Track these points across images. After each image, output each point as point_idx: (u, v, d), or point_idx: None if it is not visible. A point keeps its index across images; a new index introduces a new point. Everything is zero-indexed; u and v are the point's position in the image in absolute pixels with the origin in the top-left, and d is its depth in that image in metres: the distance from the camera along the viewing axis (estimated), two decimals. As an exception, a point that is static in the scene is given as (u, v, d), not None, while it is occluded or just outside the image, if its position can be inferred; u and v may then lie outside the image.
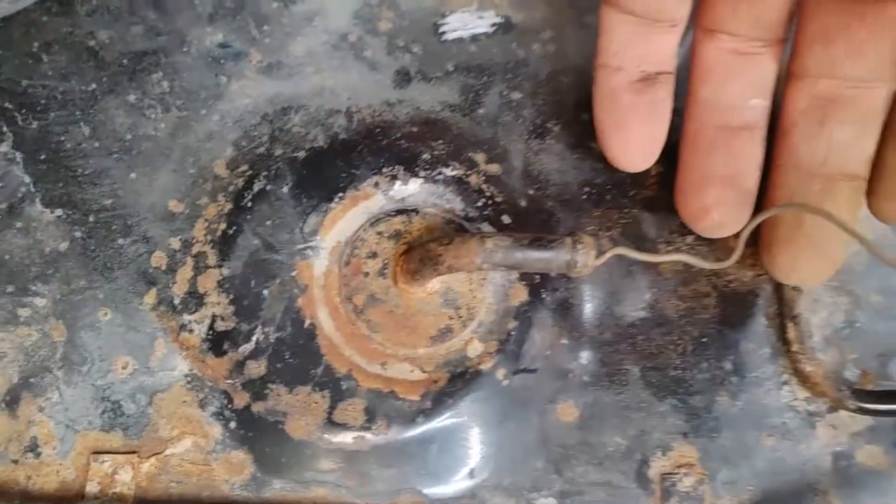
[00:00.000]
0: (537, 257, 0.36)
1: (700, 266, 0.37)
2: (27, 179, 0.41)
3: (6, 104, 0.42)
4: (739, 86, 0.37)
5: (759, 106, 0.38)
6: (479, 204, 0.41)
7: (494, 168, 0.42)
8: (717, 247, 0.42)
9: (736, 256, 0.37)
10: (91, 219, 0.41)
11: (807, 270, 0.38)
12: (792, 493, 0.40)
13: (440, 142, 0.42)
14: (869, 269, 0.43)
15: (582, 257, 0.36)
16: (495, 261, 0.36)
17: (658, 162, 0.43)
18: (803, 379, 0.40)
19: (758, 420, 0.40)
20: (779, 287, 0.42)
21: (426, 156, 0.42)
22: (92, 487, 0.37)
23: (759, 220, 0.37)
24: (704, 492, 0.39)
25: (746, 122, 0.37)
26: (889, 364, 0.42)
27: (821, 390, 0.40)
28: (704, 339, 0.41)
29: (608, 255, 0.36)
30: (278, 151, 0.42)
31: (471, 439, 0.39)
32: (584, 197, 0.43)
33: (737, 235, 0.38)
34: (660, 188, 0.43)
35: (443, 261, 0.36)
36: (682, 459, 0.40)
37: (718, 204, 0.37)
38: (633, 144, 0.38)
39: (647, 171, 0.43)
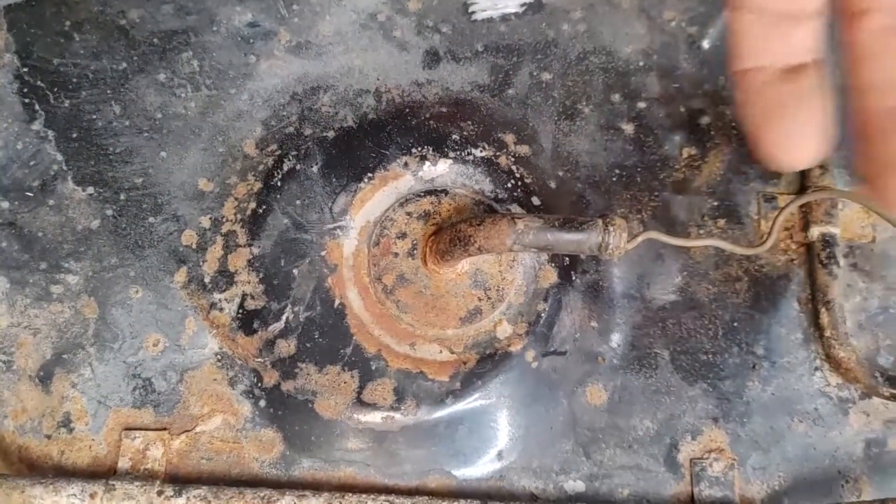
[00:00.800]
0: (569, 239, 0.36)
1: (733, 251, 0.37)
2: (59, 157, 0.41)
3: (38, 82, 0.42)
4: None
5: None
6: (509, 185, 0.41)
7: (524, 149, 0.42)
8: (750, 231, 0.41)
9: (770, 242, 0.36)
10: (122, 197, 0.41)
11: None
12: (822, 479, 0.40)
13: (469, 122, 0.42)
14: (904, 255, 0.42)
15: (614, 239, 0.35)
16: (526, 242, 0.36)
17: (689, 144, 0.42)
18: (836, 365, 0.40)
19: (789, 406, 0.40)
20: (812, 272, 0.41)
21: (455, 136, 0.42)
22: (124, 463, 0.38)
23: (794, 204, 0.36)
24: (734, 477, 0.39)
25: None
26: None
27: (853, 376, 0.39)
28: (735, 324, 0.41)
29: (640, 238, 0.36)
30: (308, 131, 0.41)
31: (499, 421, 0.39)
32: (615, 179, 0.42)
33: (769, 220, 0.37)
34: (691, 170, 0.43)
35: (473, 242, 0.36)
36: (712, 444, 0.39)
37: None
38: (793, 139, 0.35)
39: (678, 153, 0.42)
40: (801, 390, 0.40)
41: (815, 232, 0.41)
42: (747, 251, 0.37)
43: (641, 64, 0.44)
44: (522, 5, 0.45)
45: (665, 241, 0.37)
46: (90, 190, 0.41)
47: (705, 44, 0.45)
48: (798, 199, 0.38)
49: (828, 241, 0.41)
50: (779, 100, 0.34)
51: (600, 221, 0.36)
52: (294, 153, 0.41)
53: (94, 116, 0.42)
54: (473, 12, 0.44)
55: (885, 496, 0.39)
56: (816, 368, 0.41)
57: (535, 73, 0.44)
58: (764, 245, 0.36)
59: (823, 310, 0.40)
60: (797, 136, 0.34)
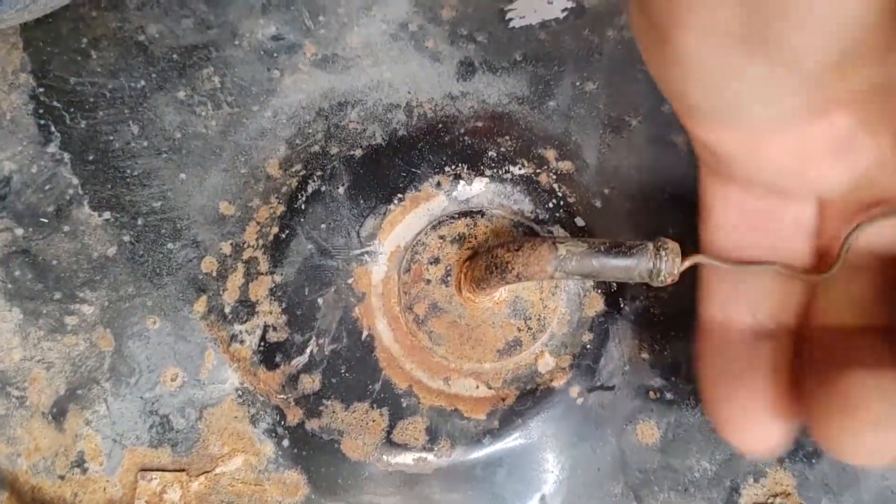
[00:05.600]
0: (616, 265, 0.32)
1: (795, 276, 0.33)
2: (75, 181, 0.39)
3: (54, 102, 0.40)
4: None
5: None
6: (550, 205, 0.38)
7: (566, 165, 0.39)
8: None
9: (838, 265, 0.32)
10: (140, 222, 0.39)
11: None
12: (900, 526, 0.36)
13: (507, 137, 0.39)
14: None
15: (666, 265, 0.32)
16: (569, 269, 0.33)
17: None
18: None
19: (863, 445, 0.36)
20: (887, 296, 0.37)
21: (492, 153, 0.39)
22: (140, 506, 0.35)
23: (866, 225, 0.32)
24: (802, 524, 0.35)
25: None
26: None
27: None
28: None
29: (688, 262, 0.33)
30: (334, 150, 0.39)
31: (542, 462, 0.35)
32: (666, 197, 0.39)
33: (838, 242, 0.34)
34: (750, 186, 0.39)
35: (511, 268, 0.33)
36: (777, 487, 0.36)
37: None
38: (746, 421, 0.29)
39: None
40: (877, 428, 0.36)
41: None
42: (811, 278, 0.33)
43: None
44: (563, 11, 0.42)
45: (716, 265, 0.33)
46: (107, 215, 0.39)
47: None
48: (871, 221, 0.34)
49: None
50: (739, 370, 0.29)
51: (651, 245, 0.33)
52: (319, 173, 0.38)
53: (112, 137, 0.40)
54: (511, 19, 0.42)
55: (974, 547, 0.35)
56: (894, 404, 0.36)
57: (577, 84, 0.41)
58: (831, 270, 0.33)
59: None
60: (751, 419, 0.29)
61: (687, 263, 0.33)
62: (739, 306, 0.31)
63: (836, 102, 0.27)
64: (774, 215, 0.32)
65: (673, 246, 0.33)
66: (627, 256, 0.32)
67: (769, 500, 0.36)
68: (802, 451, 0.36)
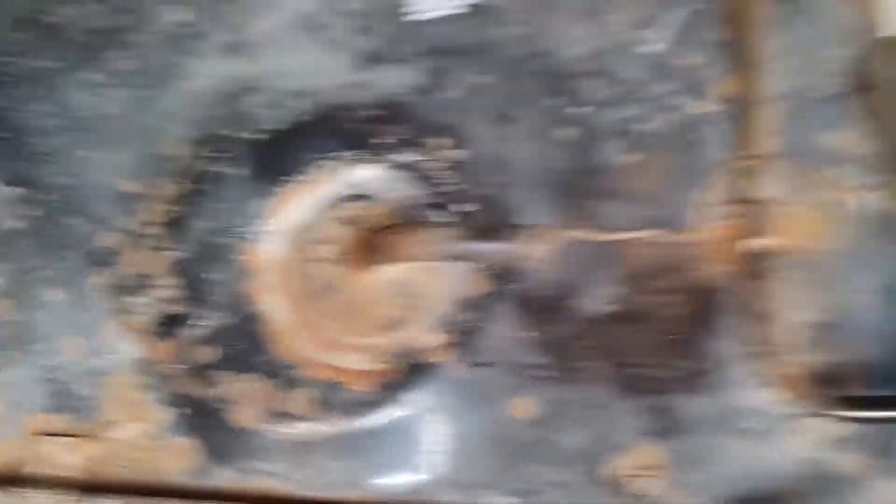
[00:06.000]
0: (489, 249, 0.35)
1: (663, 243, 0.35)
2: (-13, 158, 0.41)
3: (-32, 81, 0.41)
4: None
5: None
6: (441, 191, 0.40)
7: (458, 154, 0.41)
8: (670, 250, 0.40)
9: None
10: (48, 197, 0.40)
11: None
12: (763, 498, 0.38)
13: (403, 126, 0.41)
14: (853, 269, 0.40)
15: (536, 250, 0.34)
16: (447, 252, 0.35)
17: (630, 150, 0.41)
18: (780, 381, 0.38)
19: (727, 422, 0.39)
20: (756, 285, 0.40)
21: (388, 140, 0.40)
22: (37, 470, 0.37)
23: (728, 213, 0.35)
24: (668, 495, 0.37)
25: None
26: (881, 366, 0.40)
27: (798, 393, 0.38)
28: (672, 337, 0.39)
29: (561, 236, 0.35)
30: (237, 133, 0.41)
31: (423, 434, 0.38)
32: (553, 185, 0.41)
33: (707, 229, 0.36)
34: (627, 177, 0.41)
35: (393, 251, 0.35)
36: (646, 461, 0.38)
37: None
38: None
39: (615, 161, 0.41)
40: (740, 406, 0.39)
41: (754, 243, 0.40)
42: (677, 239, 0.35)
43: (584, 68, 0.43)
44: (463, 7, 0.44)
45: (594, 238, 0.35)
46: (19, 190, 0.41)
47: (648, 49, 0.43)
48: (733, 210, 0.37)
49: (773, 255, 0.39)
50: None
51: (523, 232, 0.35)
52: (221, 155, 0.40)
53: (25, 115, 0.41)
54: (413, 13, 0.43)
55: (828, 518, 0.38)
56: (758, 384, 0.39)
57: (474, 76, 0.42)
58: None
59: (768, 324, 0.39)
60: None
61: (565, 242, 0.35)
62: None
63: None
64: None
65: (542, 233, 0.35)
66: (504, 241, 0.35)
67: (637, 473, 0.38)
68: (672, 428, 0.38)
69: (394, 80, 0.42)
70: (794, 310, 0.39)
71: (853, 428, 0.38)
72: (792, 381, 0.37)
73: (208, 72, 0.42)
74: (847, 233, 0.40)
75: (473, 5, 0.43)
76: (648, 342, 0.39)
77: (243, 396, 0.37)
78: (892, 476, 0.38)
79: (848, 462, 0.38)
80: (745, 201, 0.41)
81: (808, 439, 0.38)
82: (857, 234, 0.40)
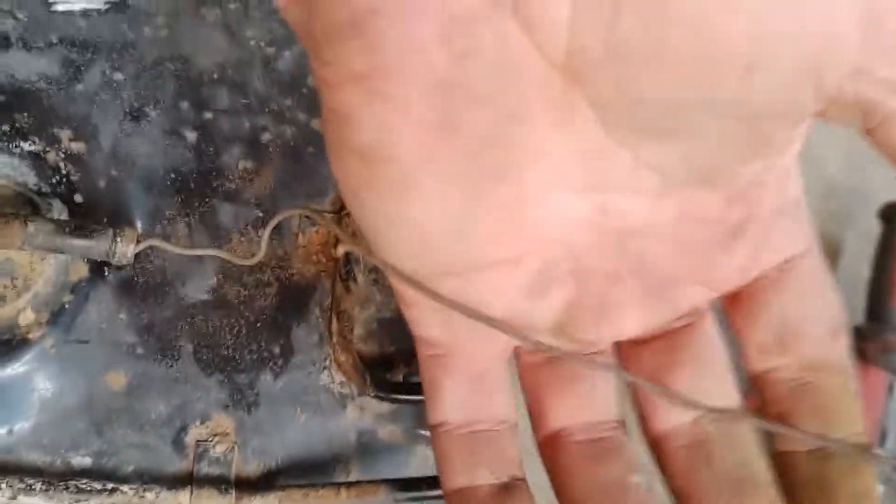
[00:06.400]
0: (78, 245, 0.39)
1: (232, 260, 0.42)
2: None
3: None
4: None
5: None
6: (54, 181, 0.44)
7: (79, 146, 0.45)
8: (288, 243, 0.46)
9: (259, 257, 0.41)
10: None
11: None
12: (318, 461, 0.47)
13: (26, 114, 0.44)
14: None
15: (122, 248, 0.39)
16: (36, 244, 0.39)
17: (247, 157, 0.47)
18: (339, 365, 0.46)
19: (295, 398, 0.46)
20: (334, 284, 0.47)
21: (6, 127, 0.43)
22: None
23: (275, 220, 0.41)
24: (233, 457, 0.44)
25: None
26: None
27: (350, 377, 0.46)
28: (259, 324, 0.46)
29: (143, 245, 0.40)
30: None
31: (12, 401, 0.42)
32: (169, 183, 0.46)
33: (307, 235, 0.43)
34: (244, 182, 0.47)
35: (2, 236, 0.39)
36: (219, 428, 0.45)
37: None
38: None
39: (234, 165, 0.47)
40: (309, 385, 0.47)
41: (340, 249, 0.47)
42: (242, 262, 0.42)
43: (215, 76, 0.48)
44: (106, 3, 0.47)
45: (168, 249, 0.41)
46: None
47: (279, 65, 0.49)
48: (281, 216, 0.43)
49: (350, 259, 0.47)
50: None
51: (111, 230, 0.40)
52: None
53: None
54: (54, 3, 0.46)
55: (370, 477, 0.47)
56: (325, 367, 0.47)
57: (107, 72, 0.46)
58: (254, 259, 0.41)
59: (335, 318, 0.47)
60: None
61: (141, 245, 0.40)
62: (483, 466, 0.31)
63: None
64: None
65: (129, 233, 0.40)
66: (89, 238, 0.39)
67: (209, 439, 0.45)
68: (245, 401, 0.45)
69: (24, 68, 0.45)
70: (361, 307, 0.48)
71: (393, 406, 0.47)
72: (347, 366, 0.46)
73: None
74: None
75: (111, 3, 0.46)
76: (237, 327, 0.46)
77: None
78: (421, 442, 0.48)
79: (390, 433, 0.48)
80: (339, 211, 0.48)
81: (359, 414, 0.47)
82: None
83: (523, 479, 0.31)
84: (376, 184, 0.26)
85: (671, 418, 0.30)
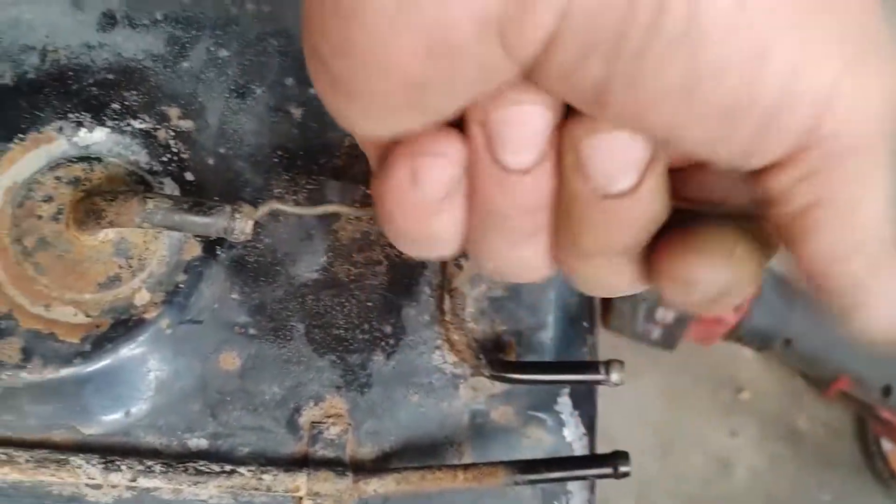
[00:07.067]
0: (196, 221, 0.38)
1: (350, 214, 0.41)
2: None
3: None
4: None
5: None
6: (165, 158, 0.43)
7: (187, 124, 0.44)
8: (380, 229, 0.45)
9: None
10: None
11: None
12: (430, 444, 0.45)
13: (134, 92, 0.43)
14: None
15: (239, 224, 0.38)
16: (155, 221, 0.38)
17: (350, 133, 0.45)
18: (451, 345, 0.45)
19: (407, 378, 0.45)
20: (444, 262, 0.46)
21: (116, 105, 0.43)
22: None
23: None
24: (347, 439, 0.43)
25: None
26: (533, 336, 0.48)
27: (464, 357, 0.45)
28: (370, 303, 0.45)
29: (265, 209, 0.39)
30: (-42, 83, 0.41)
31: (129, 382, 0.41)
32: (276, 160, 0.45)
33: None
34: (350, 158, 0.46)
35: (105, 215, 0.38)
36: (332, 410, 0.44)
37: None
38: None
39: (340, 141, 0.46)
40: (421, 366, 0.46)
41: (449, 226, 0.46)
42: (361, 213, 0.40)
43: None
44: (208, -22, 0.46)
45: (288, 210, 0.40)
46: None
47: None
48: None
49: (459, 236, 0.45)
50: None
51: (228, 207, 0.39)
52: (-59, 105, 0.41)
53: None
54: (156, -21, 0.45)
55: (484, 460, 0.45)
56: (437, 347, 0.46)
57: (212, 49, 0.45)
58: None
59: (447, 296, 0.45)
60: None
61: (264, 209, 0.39)
62: None
63: None
64: None
65: (247, 209, 0.39)
66: (206, 215, 0.38)
67: (323, 420, 0.44)
68: (357, 382, 0.44)
69: (131, 45, 0.44)
70: (471, 285, 0.46)
71: (506, 387, 0.46)
72: (460, 346, 0.45)
73: (-69, 18, 0.42)
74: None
75: (215, -21, 0.45)
76: (347, 306, 0.45)
77: (-48, 343, 0.39)
78: (533, 424, 0.46)
79: (503, 415, 0.46)
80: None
81: (472, 395, 0.46)
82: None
83: None
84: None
85: None
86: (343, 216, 0.45)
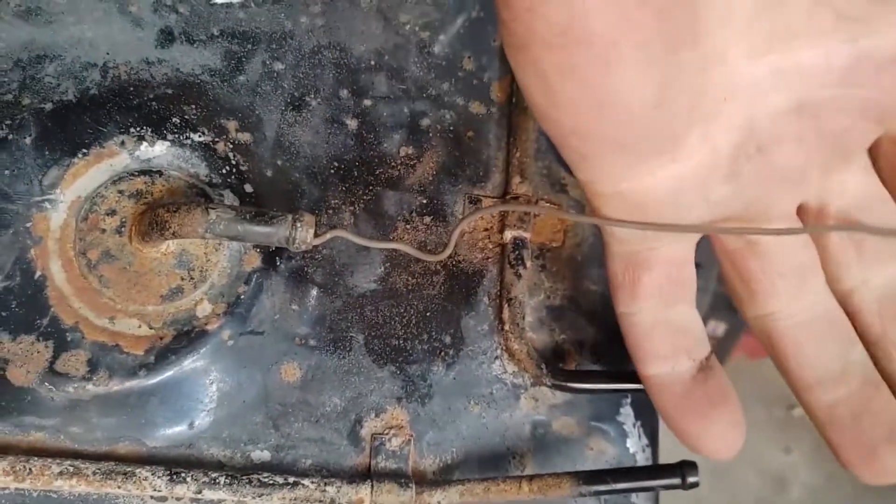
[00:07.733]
0: (258, 231, 0.38)
1: (415, 255, 0.40)
2: None
3: None
4: None
5: None
6: (224, 171, 0.43)
7: (245, 137, 0.44)
8: (437, 239, 0.45)
9: (448, 251, 0.40)
10: None
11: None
12: (492, 455, 0.45)
13: (193, 106, 0.44)
14: (589, 261, 0.47)
15: (301, 234, 0.38)
16: (218, 232, 0.38)
17: (408, 144, 0.45)
18: (511, 355, 0.45)
19: (467, 389, 0.45)
20: (502, 270, 0.45)
21: (176, 119, 0.43)
22: None
23: (472, 216, 0.40)
24: (409, 451, 0.43)
25: None
26: (593, 345, 0.47)
27: (524, 366, 0.44)
28: (428, 314, 0.45)
29: (327, 236, 0.39)
30: (26, 101, 0.42)
31: (192, 394, 0.41)
32: (332, 171, 0.45)
33: (449, 230, 0.41)
34: (406, 168, 0.46)
35: (168, 227, 0.38)
36: (393, 421, 0.43)
37: None
38: (715, 439, 0.37)
39: (396, 152, 0.46)
40: (481, 376, 0.45)
41: (508, 235, 0.45)
42: (427, 258, 0.40)
43: (373, 63, 0.47)
44: (262, -6, 0.46)
45: (351, 240, 0.40)
46: None
47: (435, 49, 0.48)
48: (477, 213, 0.42)
49: (518, 244, 0.45)
50: (696, 407, 0.37)
51: (290, 217, 0.39)
52: (8, 122, 0.41)
53: None
54: (213, -4, 0.46)
55: (546, 471, 0.45)
56: (496, 357, 0.45)
57: (268, 63, 0.45)
58: (443, 254, 0.40)
59: (506, 305, 0.45)
60: (719, 436, 0.37)
61: (327, 237, 0.39)
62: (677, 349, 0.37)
63: None
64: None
65: (308, 219, 0.39)
66: (268, 225, 0.38)
67: (385, 432, 0.43)
68: (418, 393, 0.44)
69: (189, 61, 0.45)
70: (529, 294, 0.46)
71: (567, 397, 0.45)
72: (521, 355, 0.44)
73: (2, 36, 0.42)
74: (582, 230, 0.47)
75: (270, -6, 0.46)
76: (406, 317, 0.45)
77: (17, 356, 0.39)
78: (595, 435, 0.46)
79: (564, 425, 0.45)
80: (505, 197, 0.46)
81: (533, 405, 0.45)
82: (590, 232, 0.47)
83: (713, 357, 0.37)
84: (576, 68, 0.25)
85: (860, 274, 0.34)
86: (399, 227, 0.45)
